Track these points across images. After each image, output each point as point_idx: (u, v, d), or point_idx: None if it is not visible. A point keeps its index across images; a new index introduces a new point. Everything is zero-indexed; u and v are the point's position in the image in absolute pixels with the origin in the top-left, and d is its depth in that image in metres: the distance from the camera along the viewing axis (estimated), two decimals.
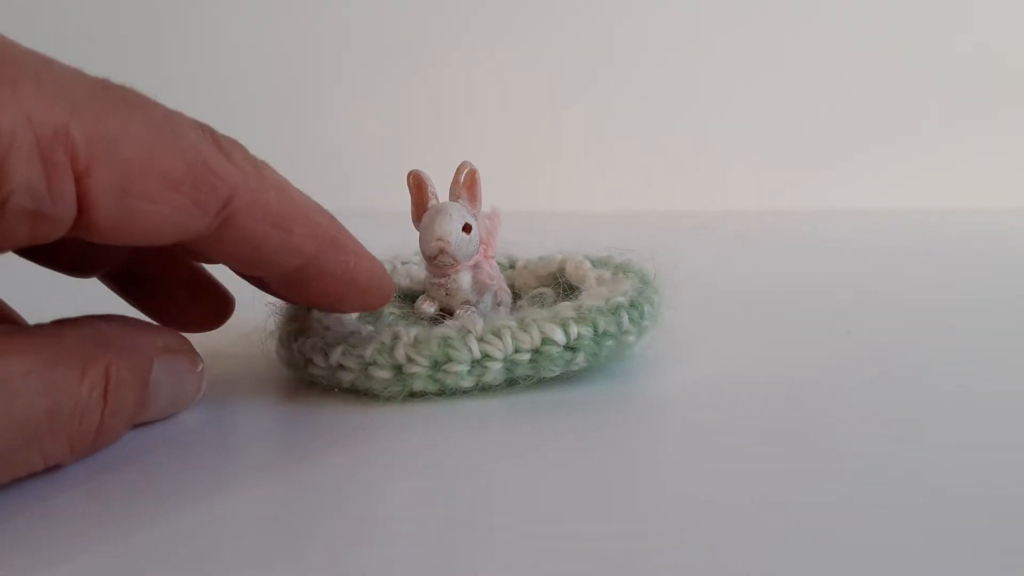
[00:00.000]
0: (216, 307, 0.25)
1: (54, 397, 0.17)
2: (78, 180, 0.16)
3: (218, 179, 0.18)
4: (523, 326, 0.24)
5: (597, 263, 0.29)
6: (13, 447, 0.17)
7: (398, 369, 0.23)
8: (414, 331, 0.24)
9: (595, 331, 0.24)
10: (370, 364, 0.23)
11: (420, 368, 0.23)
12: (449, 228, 0.25)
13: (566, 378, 0.25)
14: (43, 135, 0.15)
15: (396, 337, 0.23)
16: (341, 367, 0.24)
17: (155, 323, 0.23)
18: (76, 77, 0.17)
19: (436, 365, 0.23)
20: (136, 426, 0.21)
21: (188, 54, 0.70)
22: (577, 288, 0.28)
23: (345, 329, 0.25)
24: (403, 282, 0.29)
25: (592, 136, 0.66)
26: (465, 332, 0.23)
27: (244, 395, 0.25)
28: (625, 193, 0.64)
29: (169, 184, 0.17)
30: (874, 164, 0.63)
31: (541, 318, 0.24)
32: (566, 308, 0.24)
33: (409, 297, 0.29)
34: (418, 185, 0.26)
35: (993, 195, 0.61)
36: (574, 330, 0.24)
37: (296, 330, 0.25)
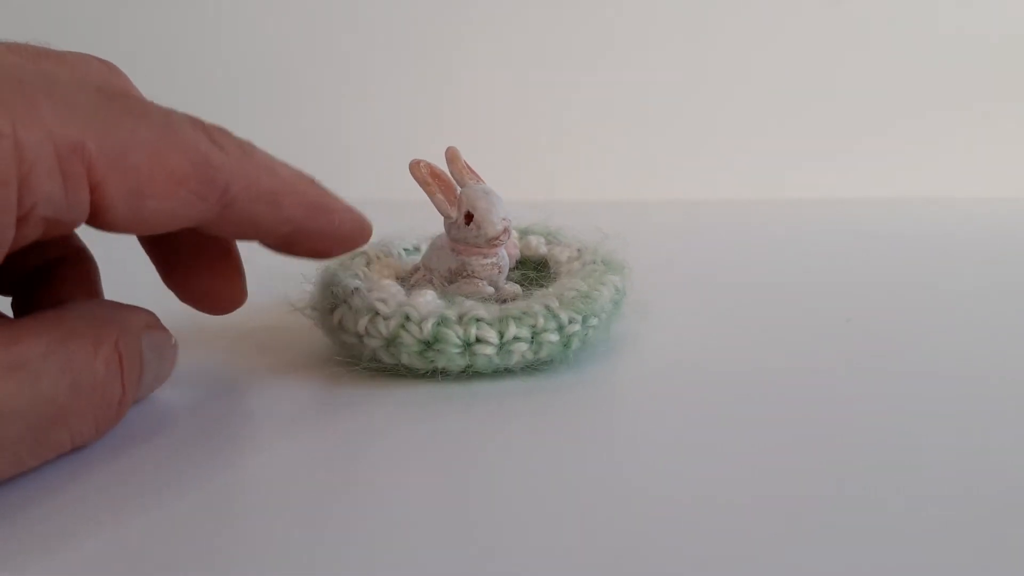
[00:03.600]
0: (233, 292, 0.25)
1: (74, 374, 0.18)
2: (93, 188, 0.17)
3: (216, 171, 0.19)
4: (561, 302, 0.25)
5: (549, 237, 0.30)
6: (43, 427, 0.18)
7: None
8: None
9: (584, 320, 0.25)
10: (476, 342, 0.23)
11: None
12: (505, 208, 0.26)
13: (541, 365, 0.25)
14: (62, 150, 0.16)
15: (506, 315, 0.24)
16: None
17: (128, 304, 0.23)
18: (81, 90, 0.18)
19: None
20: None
21: (194, 43, 0.68)
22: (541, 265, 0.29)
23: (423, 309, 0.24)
24: (452, 264, 0.27)
25: (594, 125, 0.65)
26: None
27: (287, 371, 0.26)
28: (624, 183, 0.64)
29: (175, 181, 0.18)
30: (873, 152, 0.63)
31: (567, 298, 0.25)
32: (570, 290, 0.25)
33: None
34: (436, 173, 0.26)
35: (994, 183, 0.61)
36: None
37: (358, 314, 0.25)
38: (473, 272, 0.26)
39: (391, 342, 0.23)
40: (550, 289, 0.26)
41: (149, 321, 0.21)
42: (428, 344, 0.23)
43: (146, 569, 0.16)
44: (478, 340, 0.23)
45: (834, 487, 0.18)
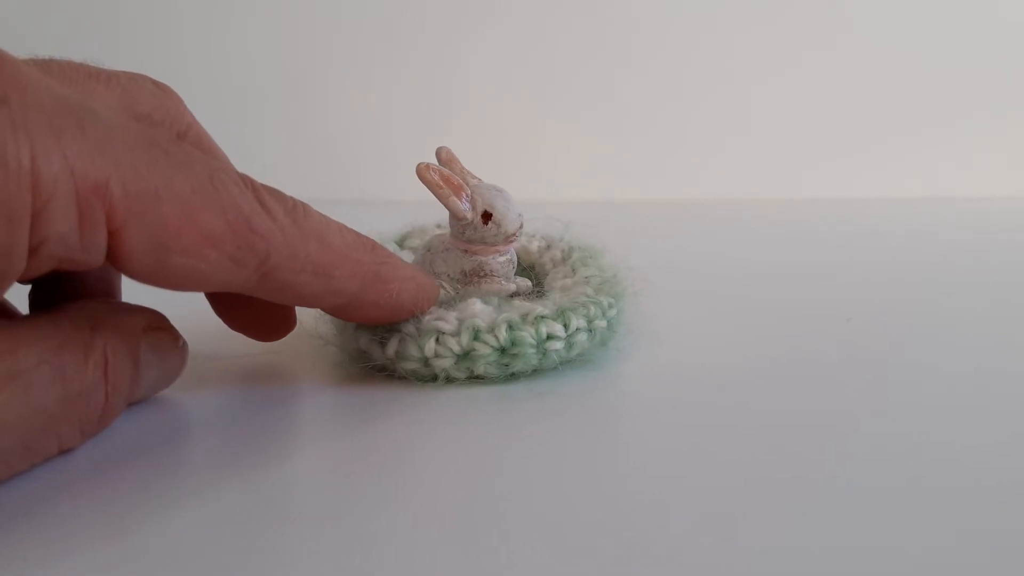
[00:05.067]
0: (278, 321, 0.25)
1: (64, 383, 0.18)
2: (112, 234, 0.16)
3: (257, 236, 0.18)
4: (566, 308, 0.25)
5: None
6: (33, 435, 0.17)
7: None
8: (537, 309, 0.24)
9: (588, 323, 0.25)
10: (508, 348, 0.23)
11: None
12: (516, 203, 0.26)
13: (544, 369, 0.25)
14: (82, 188, 0.16)
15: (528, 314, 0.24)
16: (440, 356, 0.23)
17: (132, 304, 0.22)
18: (121, 129, 0.17)
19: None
20: (130, 404, 0.21)
21: (196, 44, 0.65)
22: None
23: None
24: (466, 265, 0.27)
25: (594, 126, 0.64)
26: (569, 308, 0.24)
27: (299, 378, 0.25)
28: (624, 182, 0.64)
29: (207, 241, 0.17)
30: (874, 152, 0.64)
31: (595, 284, 0.25)
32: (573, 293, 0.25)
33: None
34: (446, 176, 0.25)
35: (995, 183, 0.62)
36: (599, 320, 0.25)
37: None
38: (492, 271, 0.26)
39: (464, 357, 0.23)
40: (556, 283, 0.27)
41: (152, 322, 0.21)
42: (504, 350, 0.23)
43: (150, 571, 0.16)
44: (549, 337, 0.23)
45: (839, 488, 0.18)
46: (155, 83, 0.21)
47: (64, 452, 0.19)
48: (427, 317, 0.23)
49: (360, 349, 0.24)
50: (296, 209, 0.20)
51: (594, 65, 0.65)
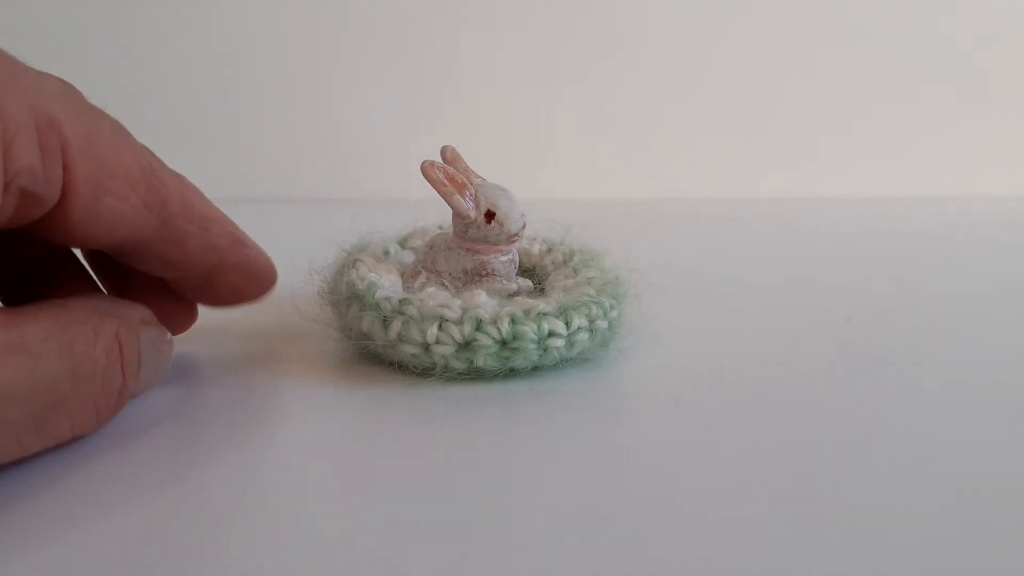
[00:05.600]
0: (182, 315, 0.26)
1: (73, 358, 0.18)
2: (65, 167, 0.17)
3: (160, 182, 0.20)
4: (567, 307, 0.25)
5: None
6: (43, 411, 0.17)
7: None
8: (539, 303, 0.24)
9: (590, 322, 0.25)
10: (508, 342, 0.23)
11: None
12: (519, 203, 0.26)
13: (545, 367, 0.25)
14: (41, 123, 0.17)
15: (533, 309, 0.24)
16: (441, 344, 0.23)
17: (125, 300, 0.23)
18: (46, 76, 0.18)
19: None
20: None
21: (191, 40, 0.64)
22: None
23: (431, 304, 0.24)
24: (468, 264, 0.27)
25: (595, 125, 0.64)
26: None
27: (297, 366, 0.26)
28: (624, 181, 0.63)
29: (129, 183, 0.19)
30: (874, 151, 0.63)
31: (597, 285, 0.25)
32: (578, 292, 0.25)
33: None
34: (450, 174, 0.26)
35: (996, 182, 0.62)
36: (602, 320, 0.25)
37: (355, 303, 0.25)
38: (494, 270, 0.26)
39: (465, 346, 0.23)
40: (557, 284, 0.27)
41: (145, 317, 0.21)
42: (505, 343, 0.23)
43: (146, 562, 0.16)
44: (551, 334, 0.23)
45: (839, 486, 0.18)
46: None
47: (78, 437, 0.19)
48: (432, 303, 0.24)
49: (362, 331, 0.24)
50: (176, 172, 0.21)
51: (595, 64, 0.65)
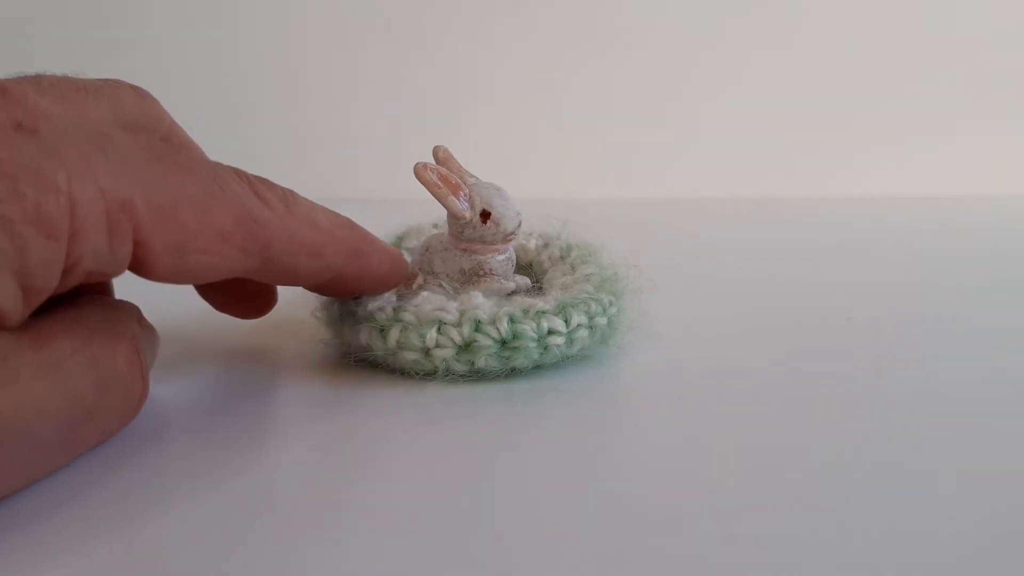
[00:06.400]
0: (262, 300, 0.26)
1: (99, 370, 0.18)
2: (138, 244, 0.17)
3: (259, 227, 0.19)
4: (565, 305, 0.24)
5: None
6: (72, 425, 0.18)
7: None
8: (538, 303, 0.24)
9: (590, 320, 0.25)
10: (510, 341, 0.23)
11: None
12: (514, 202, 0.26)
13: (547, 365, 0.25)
14: (112, 207, 0.17)
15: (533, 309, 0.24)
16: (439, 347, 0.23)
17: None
18: (134, 147, 0.18)
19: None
20: None
21: (200, 43, 0.65)
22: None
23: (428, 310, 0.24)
24: (465, 264, 0.27)
25: (591, 124, 0.64)
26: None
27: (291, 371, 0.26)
28: (623, 180, 0.64)
29: (220, 238, 0.19)
30: (875, 150, 0.64)
31: (596, 281, 0.25)
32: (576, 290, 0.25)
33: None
34: (443, 175, 0.25)
35: (996, 181, 0.62)
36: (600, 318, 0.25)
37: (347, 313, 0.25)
38: (492, 270, 0.26)
39: (465, 348, 0.23)
40: (555, 281, 0.26)
41: (137, 314, 0.21)
42: (505, 343, 0.23)
43: (147, 562, 0.16)
44: (550, 332, 0.23)
45: (839, 484, 0.18)
46: (132, 88, 0.22)
47: (100, 444, 0.20)
48: (428, 307, 0.23)
49: (361, 344, 0.24)
50: (287, 196, 0.21)
51: (591, 63, 0.65)
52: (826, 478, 0.18)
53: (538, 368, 0.24)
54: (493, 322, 0.23)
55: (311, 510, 0.18)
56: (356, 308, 0.24)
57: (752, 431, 0.21)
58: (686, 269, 0.34)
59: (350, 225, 0.23)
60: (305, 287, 0.23)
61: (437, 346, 0.23)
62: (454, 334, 0.23)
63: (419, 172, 0.25)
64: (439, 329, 0.23)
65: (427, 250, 0.27)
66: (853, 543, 0.16)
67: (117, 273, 0.18)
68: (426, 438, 0.21)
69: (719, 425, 0.21)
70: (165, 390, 0.23)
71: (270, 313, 0.26)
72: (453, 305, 0.24)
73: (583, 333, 0.24)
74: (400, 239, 0.31)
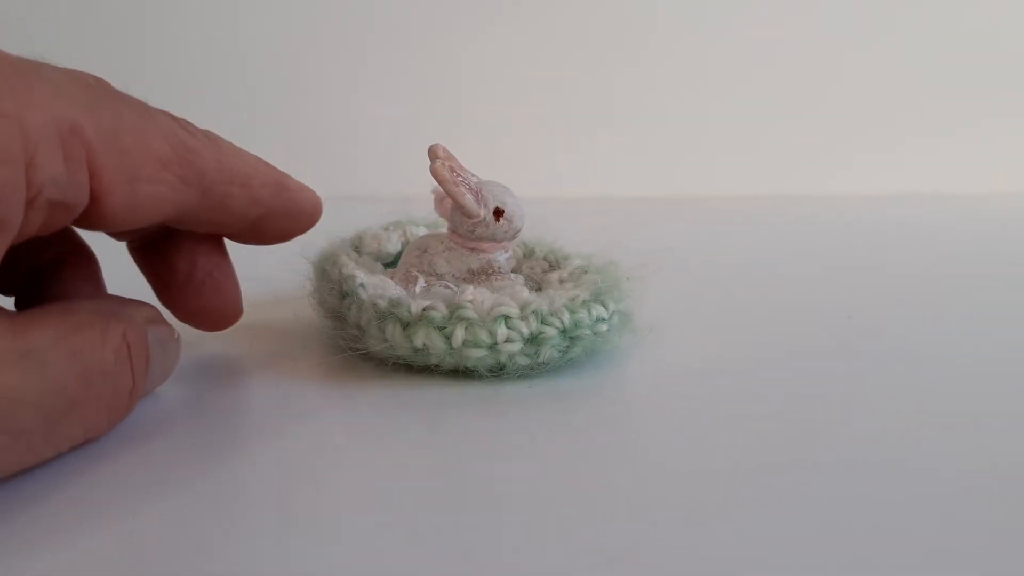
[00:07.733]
0: (226, 310, 0.25)
1: (83, 362, 0.18)
2: (92, 173, 0.17)
3: (193, 154, 0.20)
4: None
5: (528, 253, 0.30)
6: (55, 417, 0.17)
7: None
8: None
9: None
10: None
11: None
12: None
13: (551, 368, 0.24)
14: (63, 131, 0.17)
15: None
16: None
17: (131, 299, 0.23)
18: (67, 76, 0.18)
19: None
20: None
21: (200, 43, 0.64)
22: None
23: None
24: (473, 264, 0.26)
25: (590, 122, 0.62)
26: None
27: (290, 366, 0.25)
28: (623, 179, 0.62)
29: (161, 165, 0.19)
30: (875, 149, 0.64)
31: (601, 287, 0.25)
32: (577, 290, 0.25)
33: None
34: (448, 178, 0.25)
35: (996, 179, 0.63)
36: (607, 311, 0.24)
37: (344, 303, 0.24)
38: (500, 268, 0.26)
39: (532, 340, 0.23)
40: (560, 283, 0.26)
41: (152, 316, 0.21)
42: (565, 332, 0.23)
43: (148, 563, 0.16)
44: (597, 320, 0.23)
45: (840, 482, 0.18)
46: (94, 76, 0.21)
47: (91, 440, 0.19)
48: (485, 303, 0.23)
49: (415, 347, 0.23)
50: (209, 133, 0.21)
51: (591, 62, 0.66)
52: (828, 476, 0.18)
53: (534, 368, 0.24)
54: (554, 313, 0.23)
55: (309, 510, 0.17)
56: (394, 309, 0.23)
57: (753, 429, 0.21)
58: (686, 267, 0.34)
59: (267, 162, 0.23)
60: (235, 233, 0.23)
61: (507, 340, 0.22)
62: (522, 327, 0.22)
63: (437, 171, 0.24)
64: (467, 328, 0.22)
65: (424, 252, 0.26)
66: (857, 540, 0.16)
67: (79, 207, 0.17)
68: (425, 439, 0.21)
69: (719, 423, 0.21)
70: (161, 387, 0.23)
71: (267, 311, 0.25)
72: (506, 298, 0.23)
73: (616, 320, 0.24)
74: (357, 243, 0.29)
